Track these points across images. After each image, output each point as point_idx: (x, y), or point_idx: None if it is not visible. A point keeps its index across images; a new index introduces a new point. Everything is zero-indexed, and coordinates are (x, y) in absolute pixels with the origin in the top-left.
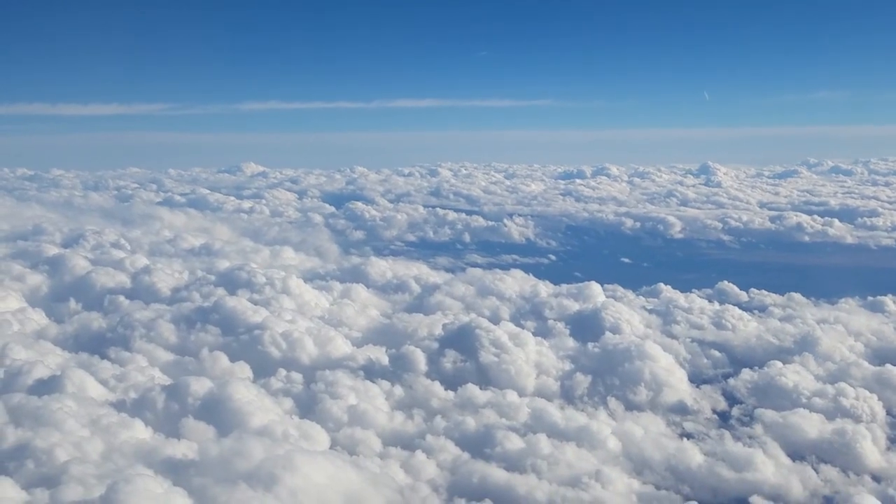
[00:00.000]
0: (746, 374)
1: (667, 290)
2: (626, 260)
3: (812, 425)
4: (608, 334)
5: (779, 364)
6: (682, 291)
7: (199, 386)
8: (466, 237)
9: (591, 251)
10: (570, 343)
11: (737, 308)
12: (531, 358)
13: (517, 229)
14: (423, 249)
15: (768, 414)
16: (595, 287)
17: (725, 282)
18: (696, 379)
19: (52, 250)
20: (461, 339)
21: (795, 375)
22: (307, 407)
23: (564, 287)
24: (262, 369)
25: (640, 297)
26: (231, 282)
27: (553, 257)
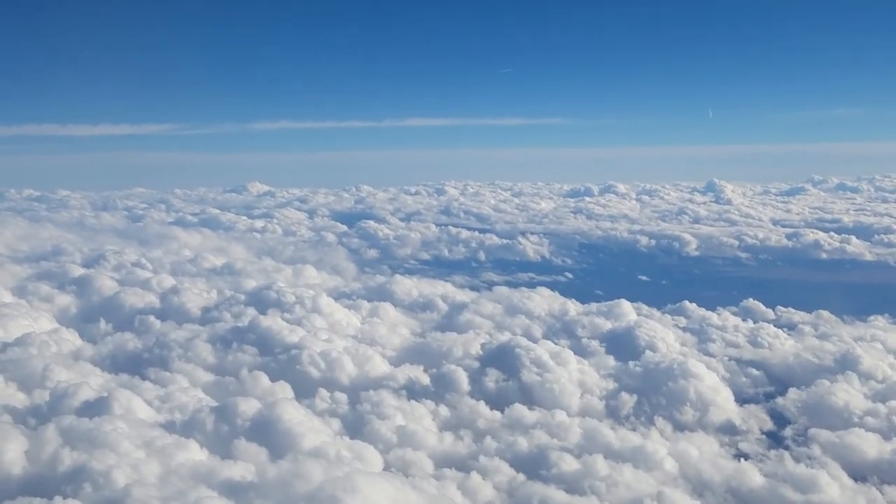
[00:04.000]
0: (794, 393)
1: (693, 308)
2: (644, 277)
3: (871, 445)
4: (648, 353)
5: (826, 383)
6: (706, 309)
7: (248, 406)
8: (481, 255)
9: (607, 269)
10: (611, 361)
11: (771, 326)
12: (574, 377)
13: (532, 247)
14: (438, 268)
15: (823, 434)
16: (626, 305)
17: (751, 299)
18: (738, 398)
19: (78, 271)
20: (502, 359)
21: (845, 394)
22: (355, 428)
23: (594, 305)
24: (303, 389)
25: (666, 314)
26: (261, 301)
27: (570, 275)
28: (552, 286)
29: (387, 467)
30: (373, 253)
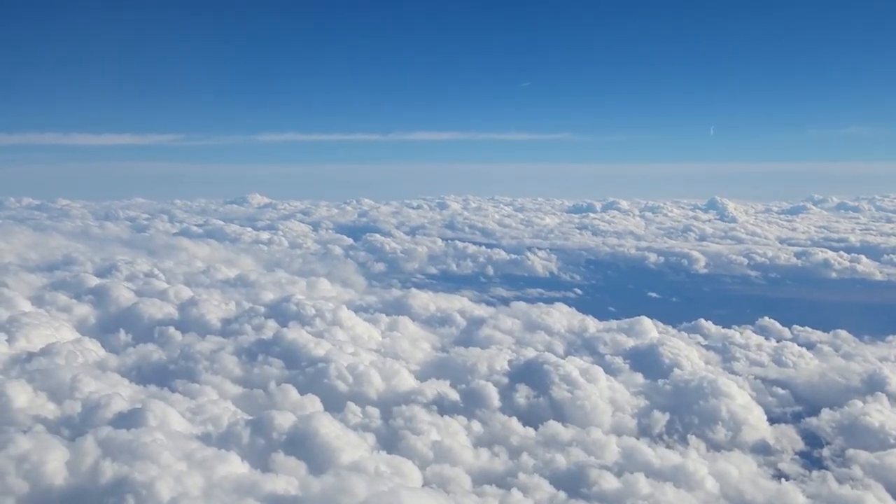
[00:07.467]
0: (827, 413)
1: (710, 326)
2: (654, 294)
3: None
4: (677, 370)
5: (859, 403)
6: (722, 327)
7: (284, 420)
8: (489, 270)
9: (616, 285)
10: (640, 379)
11: (794, 345)
12: (605, 394)
13: (540, 263)
14: (446, 282)
15: (863, 455)
16: (647, 322)
17: (767, 318)
18: (767, 417)
19: (93, 281)
20: (530, 375)
21: (879, 415)
22: (389, 443)
23: (614, 322)
24: (331, 403)
25: (682, 332)
26: (281, 313)
27: (579, 291)
28: (563, 302)
29: (425, 483)
30: (380, 266)
